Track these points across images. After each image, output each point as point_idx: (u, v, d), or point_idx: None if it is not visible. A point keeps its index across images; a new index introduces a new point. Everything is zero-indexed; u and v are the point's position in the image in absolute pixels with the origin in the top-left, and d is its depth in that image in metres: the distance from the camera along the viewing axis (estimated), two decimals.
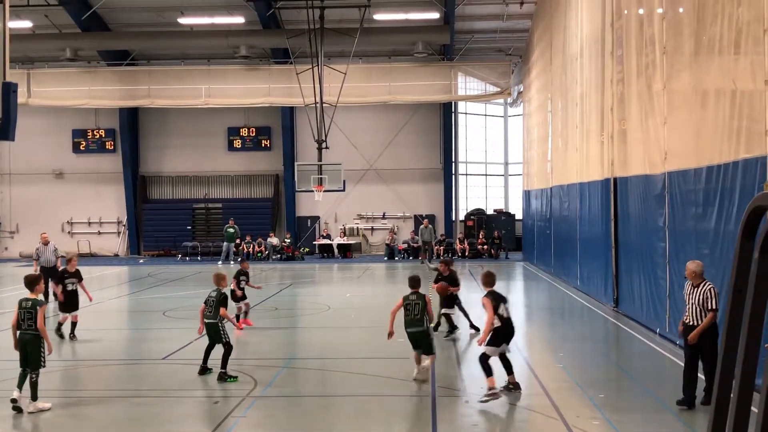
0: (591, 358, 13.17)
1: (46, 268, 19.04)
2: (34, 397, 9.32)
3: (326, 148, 30.47)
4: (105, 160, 38.10)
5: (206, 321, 11.30)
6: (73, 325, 14.47)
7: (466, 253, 35.02)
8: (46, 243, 19.61)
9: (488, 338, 10.09)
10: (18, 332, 9.46)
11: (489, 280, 10.71)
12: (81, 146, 38.07)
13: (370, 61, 34.74)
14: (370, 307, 19.40)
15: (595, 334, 16.00)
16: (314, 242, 36.92)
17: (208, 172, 38.11)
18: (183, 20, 33.02)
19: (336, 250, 35.81)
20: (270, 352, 13.42)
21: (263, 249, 35.07)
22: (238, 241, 34.76)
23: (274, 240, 35.64)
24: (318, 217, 37.79)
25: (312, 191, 30.17)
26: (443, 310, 14.64)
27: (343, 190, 31.10)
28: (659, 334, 13.94)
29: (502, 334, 10.22)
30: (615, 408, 9.56)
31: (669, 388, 10.01)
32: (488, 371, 9.87)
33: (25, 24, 32.04)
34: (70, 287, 14.48)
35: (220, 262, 32.94)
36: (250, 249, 34.99)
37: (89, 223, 38.44)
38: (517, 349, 14.20)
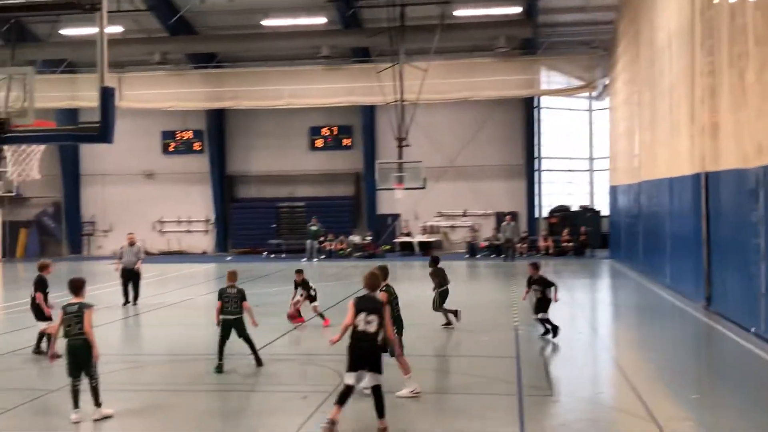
0: (682, 358, 12.81)
1: (127, 269, 19.16)
2: (98, 404, 8.93)
3: (407, 145, 30.50)
4: (193, 161, 39.17)
5: (230, 317, 11.42)
6: (41, 336, 12.88)
7: (550, 251, 34.51)
8: (132, 244, 19.60)
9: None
10: (67, 339, 8.88)
11: (370, 281, 8.85)
12: (170, 147, 39.27)
13: (451, 58, 34.58)
14: (452, 305, 19.32)
15: (686, 333, 15.54)
16: (395, 240, 37.05)
17: (291, 172, 38.71)
18: (266, 22, 33.67)
19: (417, 248, 35.85)
20: None
21: (345, 246, 35.42)
22: (321, 238, 35.27)
23: (355, 238, 35.94)
24: (398, 215, 37.90)
25: (392, 189, 30.25)
26: (540, 315, 13.75)
27: (424, 188, 31.06)
28: (754, 333, 13.43)
29: (353, 352, 8.38)
30: (708, 409, 9.27)
31: (766, 389, 9.65)
32: (340, 399, 8.32)
33: (117, 29, 33.24)
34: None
35: (304, 260, 33.42)
36: (333, 246, 35.43)
37: (179, 222, 39.62)
38: (605, 347, 13.96)
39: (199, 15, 34.26)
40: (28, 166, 9.16)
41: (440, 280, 15.43)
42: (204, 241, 39.65)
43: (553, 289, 13.82)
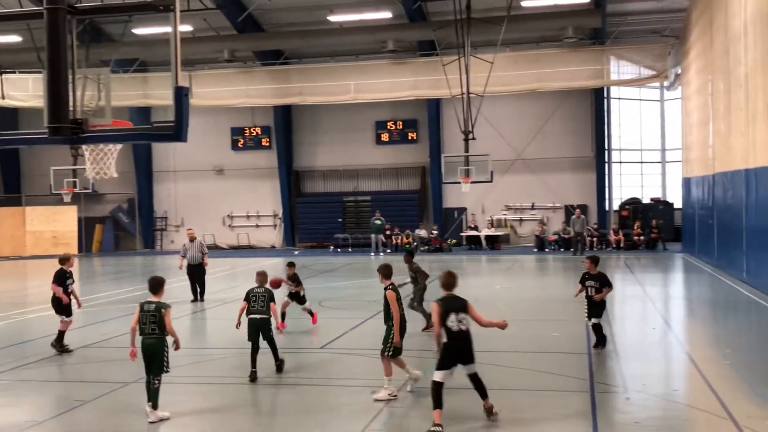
0: (760, 354, 12.39)
1: (192, 265, 19.10)
2: (155, 405, 8.83)
3: (473, 138, 30.30)
4: (261, 156, 39.74)
5: (258, 316, 10.89)
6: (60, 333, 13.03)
7: (621, 245, 33.84)
8: (192, 239, 19.38)
9: (438, 359, 8.46)
10: (141, 338, 8.92)
11: (449, 281, 8.92)
12: (239, 143, 39.94)
13: (518, 49, 34.20)
14: (520, 300, 19.17)
15: (764, 329, 15.04)
16: (461, 234, 36.89)
17: (357, 166, 38.91)
18: (332, 18, 33.89)
19: (484, 242, 35.63)
20: (425, 344, 13.51)
21: (411, 240, 35.46)
22: (388, 232, 35.42)
23: (422, 232, 35.93)
24: (465, 209, 37.71)
25: (459, 183, 30.12)
26: (593, 321, 12.47)
27: (491, 181, 30.83)
28: None
29: (450, 351, 8.45)
30: None
31: None
32: (436, 402, 8.29)
33: (187, 28, 33.95)
34: (71, 288, 13.16)
35: (372, 254, 33.61)
36: (398, 240, 35.51)
37: (248, 217, 40.28)
38: (679, 343, 13.61)
39: (267, 12, 34.69)
40: (106, 164, 9.42)
41: (416, 275, 14.49)
42: (272, 236, 40.20)
43: (605, 290, 12.39)
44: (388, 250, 35.18)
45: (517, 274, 26.70)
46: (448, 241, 36.31)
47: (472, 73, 30.27)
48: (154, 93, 33.98)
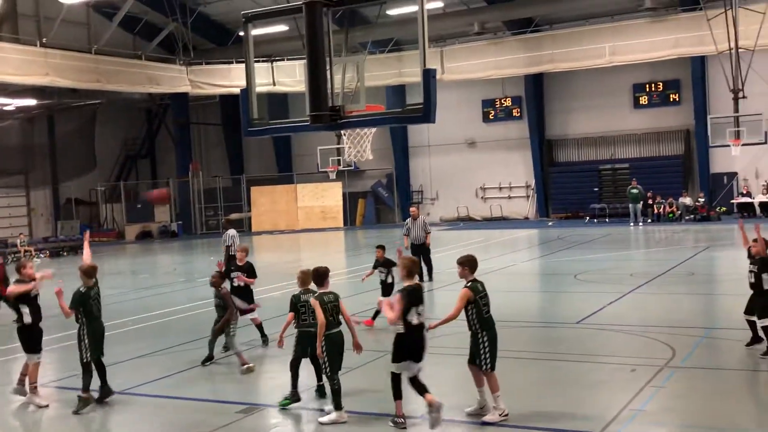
0: None
1: (415, 245, 18.10)
2: (339, 406, 8.14)
3: (743, 97, 27.84)
4: (512, 127, 39.55)
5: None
6: (260, 328, 12.24)
7: None
8: (415, 218, 18.33)
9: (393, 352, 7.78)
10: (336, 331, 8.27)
11: (413, 268, 8.09)
12: (490, 115, 40.04)
13: None
14: None
15: None
16: (732, 201, 34.13)
17: (613, 132, 37.38)
18: None
19: (758, 209, 32.69)
20: (688, 320, 12.76)
21: (675, 209, 33.46)
22: (650, 201, 33.76)
23: (686, 200, 33.77)
24: (735, 174, 34.78)
25: (728, 146, 27.90)
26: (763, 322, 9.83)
27: (765, 143, 28.19)
28: None
29: (408, 344, 7.74)
30: None
31: None
32: (396, 393, 7.81)
33: (438, 5, 34.53)
34: (236, 283, 12.16)
35: (631, 224, 32.26)
36: (661, 210, 33.68)
37: (500, 188, 40.37)
38: None
39: None
40: (362, 147, 9.93)
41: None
42: (525, 207, 39.96)
43: None
44: (649, 220, 33.50)
45: None
46: (717, 209, 33.77)
47: (741, 26, 27.78)
48: (408, 71, 34.98)
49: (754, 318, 10.03)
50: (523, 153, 39.21)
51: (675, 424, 7.86)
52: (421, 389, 7.68)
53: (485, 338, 8.10)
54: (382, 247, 13.61)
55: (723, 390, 8.76)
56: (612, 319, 12.86)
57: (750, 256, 10.13)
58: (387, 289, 13.08)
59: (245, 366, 10.46)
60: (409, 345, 7.74)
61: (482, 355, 8.06)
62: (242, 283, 12.21)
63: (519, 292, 16.95)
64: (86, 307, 9.20)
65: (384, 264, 13.32)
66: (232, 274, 12.18)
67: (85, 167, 43.85)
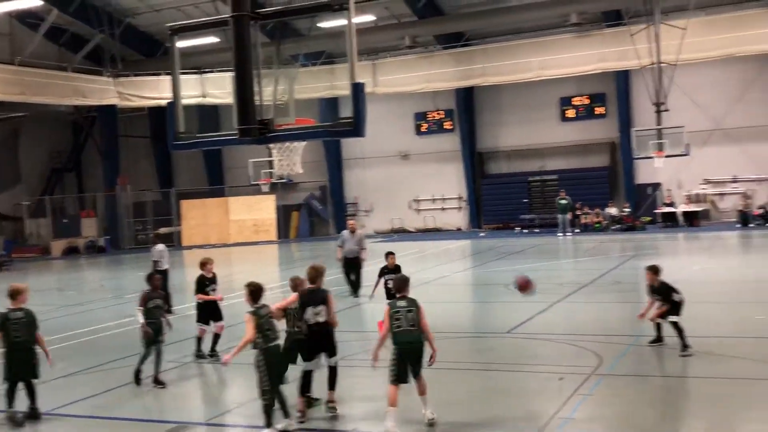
0: None
1: (348, 258, 17.79)
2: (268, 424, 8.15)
3: (666, 110, 28.77)
4: (445, 140, 39.94)
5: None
6: (216, 337, 12.18)
7: None
8: (352, 231, 18.07)
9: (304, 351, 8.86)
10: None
11: (313, 274, 8.86)
12: (422, 128, 40.39)
13: (713, 12, 31.84)
14: (723, 281, 18.00)
15: None
16: (655, 211, 35.18)
17: (542, 144, 38.09)
18: None
19: (681, 219, 33.76)
20: (615, 329, 13.06)
21: (601, 219, 34.28)
22: (578, 212, 34.52)
23: (612, 210, 34.66)
24: (659, 184, 35.87)
25: (651, 157, 28.74)
26: None
27: (687, 154, 29.14)
28: None
29: (310, 342, 8.73)
30: None
31: None
32: (303, 388, 8.76)
33: (369, 18, 34.71)
34: (211, 294, 12.23)
35: (559, 234, 32.90)
36: (588, 220, 34.48)
37: (433, 200, 40.71)
38: None
39: None
40: (292, 160, 9.88)
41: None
42: (458, 218, 40.37)
43: None
44: (577, 230, 34.26)
45: (719, 252, 25.08)
46: (642, 219, 34.75)
47: (663, 41, 28.75)
48: (341, 84, 34.98)
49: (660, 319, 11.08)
50: (455, 165, 39.64)
51: (602, 431, 8.02)
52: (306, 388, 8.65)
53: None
54: (392, 254, 13.86)
55: (649, 397, 8.99)
56: (542, 328, 13.07)
57: (650, 291, 11.26)
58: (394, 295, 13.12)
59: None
60: (309, 343, 8.68)
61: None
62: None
63: (452, 303, 17.08)
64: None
65: (395, 270, 13.27)
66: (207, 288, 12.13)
67: (9, 181, 42.52)
